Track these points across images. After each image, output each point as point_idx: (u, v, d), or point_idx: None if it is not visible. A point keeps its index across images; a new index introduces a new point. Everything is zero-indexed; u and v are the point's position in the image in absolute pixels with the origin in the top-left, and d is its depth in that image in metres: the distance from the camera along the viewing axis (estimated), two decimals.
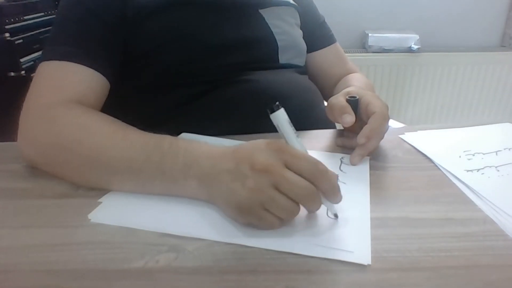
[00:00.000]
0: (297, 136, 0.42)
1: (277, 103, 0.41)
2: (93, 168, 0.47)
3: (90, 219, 0.41)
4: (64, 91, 0.55)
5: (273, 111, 0.41)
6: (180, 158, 0.43)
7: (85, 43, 0.60)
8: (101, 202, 0.44)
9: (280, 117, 0.41)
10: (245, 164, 0.39)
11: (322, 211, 0.42)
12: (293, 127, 0.42)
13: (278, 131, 0.42)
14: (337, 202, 0.40)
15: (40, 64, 0.58)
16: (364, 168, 0.52)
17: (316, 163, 0.39)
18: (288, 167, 0.38)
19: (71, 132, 0.49)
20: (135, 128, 0.49)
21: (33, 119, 0.52)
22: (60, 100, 0.53)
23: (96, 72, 0.58)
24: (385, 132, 0.57)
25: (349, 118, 0.54)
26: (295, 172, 0.38)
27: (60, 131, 0.50)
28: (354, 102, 0.56)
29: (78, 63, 0.57)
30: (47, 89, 0.55)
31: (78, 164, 0.48)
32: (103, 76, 0.59)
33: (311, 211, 0.41)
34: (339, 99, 0.57)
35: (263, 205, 0.38)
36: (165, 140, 0.46)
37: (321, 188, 0.39)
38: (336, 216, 0.41)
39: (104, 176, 0.47)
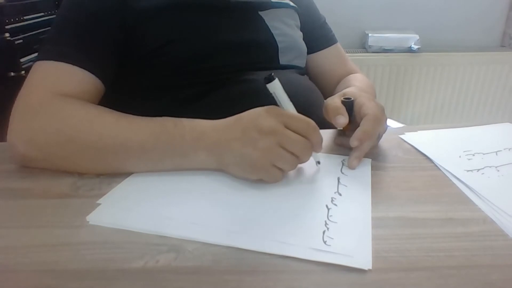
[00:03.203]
0: (289, 100, 0.49)
1: (272, 73, 0.48)
2: (104, 154, 0.49)
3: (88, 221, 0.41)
4: (57, 89, 0.54)
5: (269, 81, 0.48)
6: (187, 133, 0.49)
7: (81, 45, 0.59)
8: (100, 204, 0.44)
9: (277, 85, 0.48)
10: (252, 130, 0.46)
11: (322, 215, 0.42)
12: (285, 93, 0.49)
13: (274, 98, 0.49)
14: (319, 151, 0.50)
15: (35, 63, 0.57)
16: (365, 172, 0.52)
17: (308, 121, 0.47)
18: (287, 127, 0.46)
19: (74, 124, 0.50)
20: (133, 115, 0.52)
21: (28, 116, 0.52)
22: (53, 97, 0.53)
23: (90, 74, 0.58)
24: (382, 133, 0.57)
25: (342, 120, 0.54)
26: (293, 131, 0.46)
27: (63, 125, 0.50)
28: (349, 104, 0.56)
29: (73, 64, 0.57)
30: (40, 87, 0.55)
31: (88, 153, 0.49)
32: (97, 78, 0.59)
33: (304, 161, 0.48)
34: (334, 100, 0.57)
35: (272, 162, 0.46)
36: (168, 121, 0.51)
37: (312, 141, 0.47)
38: (319, 163, 0.51)
39: (118, 160, 0.49)
